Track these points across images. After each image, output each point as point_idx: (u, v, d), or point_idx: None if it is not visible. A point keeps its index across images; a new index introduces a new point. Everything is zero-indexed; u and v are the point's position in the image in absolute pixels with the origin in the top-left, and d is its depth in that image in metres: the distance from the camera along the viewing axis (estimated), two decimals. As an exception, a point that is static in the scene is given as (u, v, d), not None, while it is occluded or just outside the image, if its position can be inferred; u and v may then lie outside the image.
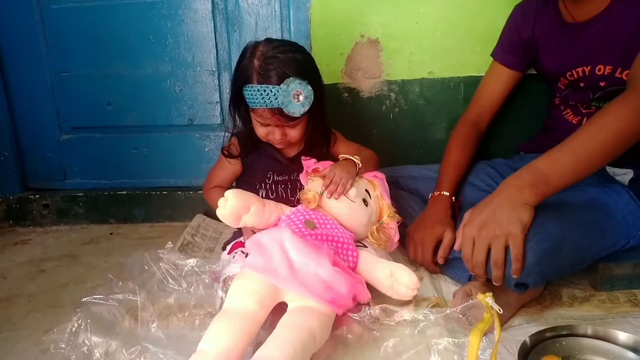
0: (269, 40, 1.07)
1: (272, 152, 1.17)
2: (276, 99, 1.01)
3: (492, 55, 1.30)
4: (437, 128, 1.48)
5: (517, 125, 1.41)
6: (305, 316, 0.79)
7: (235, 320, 0.77)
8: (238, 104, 1.11)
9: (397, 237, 1.10)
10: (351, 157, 1.07)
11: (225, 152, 1.17)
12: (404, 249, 1.19)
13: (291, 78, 1.01)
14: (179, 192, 1.56)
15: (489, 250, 0.87)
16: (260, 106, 1.03)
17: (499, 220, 0.85)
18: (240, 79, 1.06)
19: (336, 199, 1.01)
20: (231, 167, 1.19)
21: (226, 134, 1.19)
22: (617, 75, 1.06)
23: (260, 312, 0.80)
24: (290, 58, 1.04)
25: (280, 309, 0.84)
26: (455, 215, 1.17)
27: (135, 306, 0.88)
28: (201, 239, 1.36)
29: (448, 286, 1.09)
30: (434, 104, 1.46)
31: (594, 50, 1.08)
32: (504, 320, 0.95)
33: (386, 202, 1.09)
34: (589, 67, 1.10)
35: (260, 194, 1.13)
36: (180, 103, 1.53)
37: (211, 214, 1.49)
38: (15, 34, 1.50)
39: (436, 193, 1.20)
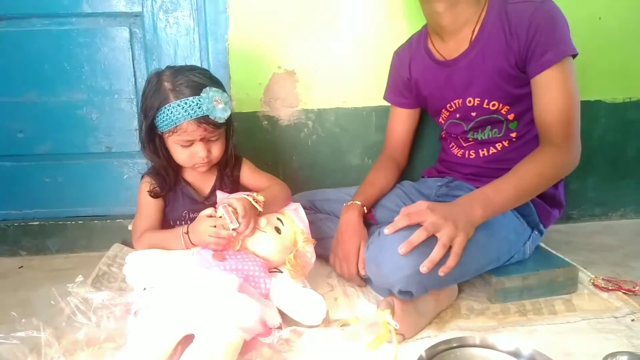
0: (169, 67, 1.11)
1: (188, 191, 1.18)
2: (199, 108, 1.03)
3: (384, 98, 1.41)
4: (353, 154, 1.57)
5: (422, 154, 1.52)
6: (210, 347, 0.80)
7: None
8: (152, 136, 1.10)
9: (313, 259, 1.14)
10: (254, 203, 1.06)
11: (152, 194, 1.14)
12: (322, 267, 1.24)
13: (208, 87, 1.04)
14: (96, 221, 1.52)
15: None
16: (185, 119, 1.03)
17: (455, 222, 0.94)
18: (153, 106, 1.06)
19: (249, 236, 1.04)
20: (155, 206, 1.15)
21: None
22: (484, 105, 1.19)
23: (166, 346, 0.81)
24: (197, 72, 1.08)
25: (188, 339, 0.85)
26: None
27: (39, 344, 0.86)
28: (117, 269, 1.33)
29: (363, 304, 1.14)
30: (349, 132, 1.54)
31: (463, 85, 1.20)
32: (421, 328, 1.02)
33: (299, 227, 1.14)
34: (461, 100, 1.22)
35: None
36: (97, 131, 1.50)
37: (129, 242, 1.48)
38: None
39: (349, 202, 1.25)
